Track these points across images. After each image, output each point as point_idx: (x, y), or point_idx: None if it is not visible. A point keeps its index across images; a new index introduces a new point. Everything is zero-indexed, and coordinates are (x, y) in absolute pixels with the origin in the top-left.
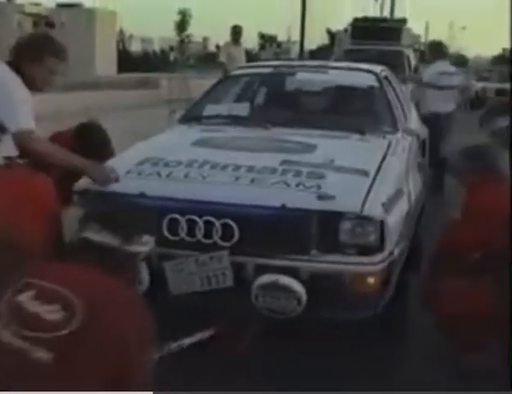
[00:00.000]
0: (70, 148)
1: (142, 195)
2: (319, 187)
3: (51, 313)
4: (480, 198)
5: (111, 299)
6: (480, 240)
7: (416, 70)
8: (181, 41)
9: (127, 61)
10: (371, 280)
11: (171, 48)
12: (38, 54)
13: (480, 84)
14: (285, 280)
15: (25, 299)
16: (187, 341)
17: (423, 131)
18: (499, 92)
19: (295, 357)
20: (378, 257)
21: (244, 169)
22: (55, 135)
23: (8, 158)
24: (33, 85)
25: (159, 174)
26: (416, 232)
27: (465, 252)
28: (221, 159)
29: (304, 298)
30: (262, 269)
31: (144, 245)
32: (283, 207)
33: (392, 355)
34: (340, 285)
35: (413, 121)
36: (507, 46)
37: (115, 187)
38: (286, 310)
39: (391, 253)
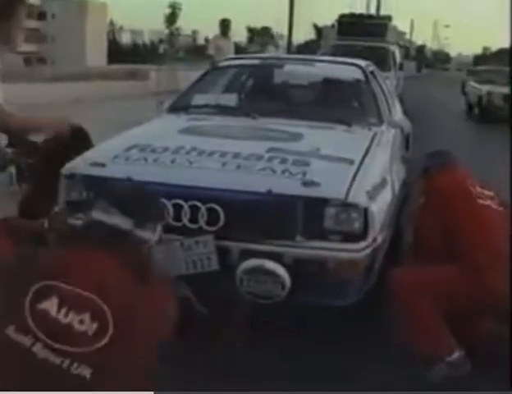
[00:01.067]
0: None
1: (128, 180)
2: (305, 174)
3: (82, 324)
4: (436, 182)
5: (135, 301)
6: (440, 223)
7: (401, 66)
8: (171, 34)
9: (117, 52)
10: (354, 266)
11: (161, 41)
12: (10, 7)
13: (486, 88)
14: (271, 264)
15: (50, 307)
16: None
17: (407, 125)
18: (507, 98)
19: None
20: (362, 244)
21: (230, 155)
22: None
23: None
24: (9, 42)
25: (146, 159)
26: (398, 222)
27: (427, 238)
28: (207, 146)
29: (288, 283)
30: (247, 254)
31: (156, 233)
32: (269, 192)
33: (375, 341)
34: (323, 270)
35: (398, 115)
36: (488, 44)
37: (102, 171)
38: (271, 295)
39: (375, 240)
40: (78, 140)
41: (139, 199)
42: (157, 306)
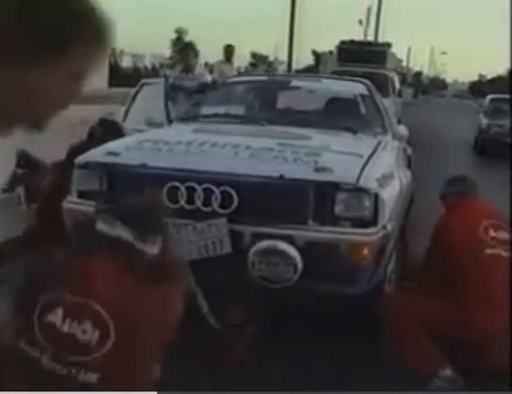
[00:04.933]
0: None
1: (143, 166)
2: (316, 162)
3: (85, 333)
4: (445, 225)
5: (135, 305)
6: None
7: (400, 92)
8: (170, 58)
9: (118, 76)
10: (365, 250)
11: (162, 65)
12: None
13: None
14: (283, 245)
15: (56, 319)
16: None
17: (408, 147)
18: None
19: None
20: (372, 229)
21: (242, 147)
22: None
23: None
24: None
25: (160, 149)
26: (403, 227)
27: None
28: (219, 140)
29: (300, 265)
30: (259, 237)
31: (156, 245)
32: (281, 177)
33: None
34: (334, 254)
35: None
36: (484, 72)
37: (116, 159)
38: (282, 278)
39: (385, 227)
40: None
41: (141, 211)
42: (158, 310)
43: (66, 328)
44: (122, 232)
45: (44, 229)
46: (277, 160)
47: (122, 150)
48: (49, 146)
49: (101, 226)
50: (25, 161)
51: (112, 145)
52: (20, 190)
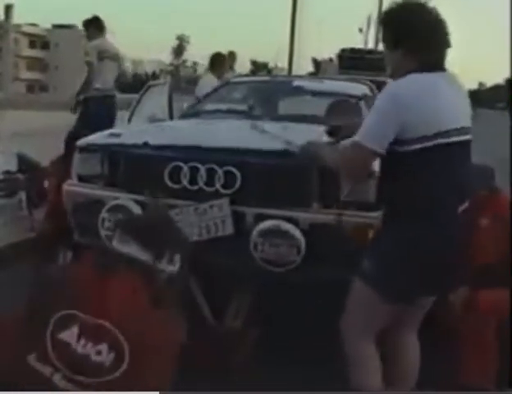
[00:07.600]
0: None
1: (145, 145)
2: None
3: (99, 354)
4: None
5: (150, 330)
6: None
7: None
8: (171, 64)
9: (120, 82)
10: (370, 233)
11: (162, 71)
12: None
13: None
14: (287, 226)
15: (70, 337)
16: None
17: None
18: None
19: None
20: (378, 212)
21: (246, 129)
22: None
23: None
24: None
25: (163, 130)
26: None
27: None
28: (222, 125)
29: (304, 247)
30: (262, 218)
31: (174, 264)
32: (285, 151)
33: None
34: (338, 236)
35: None
36: (483, 80)
37: (118, 140)
38: (285, 260)
39: None
40: None
41: (158, 230)
42: (169, 333)
43: (80, 349)
44: (138, 252)
45: (56, 230)
46: (281, 140)
47: (124, 132)
48: (52, 151)
49: (117, 245)
50: (26, 165)
51: (114, 130)
52: (22, 195)
